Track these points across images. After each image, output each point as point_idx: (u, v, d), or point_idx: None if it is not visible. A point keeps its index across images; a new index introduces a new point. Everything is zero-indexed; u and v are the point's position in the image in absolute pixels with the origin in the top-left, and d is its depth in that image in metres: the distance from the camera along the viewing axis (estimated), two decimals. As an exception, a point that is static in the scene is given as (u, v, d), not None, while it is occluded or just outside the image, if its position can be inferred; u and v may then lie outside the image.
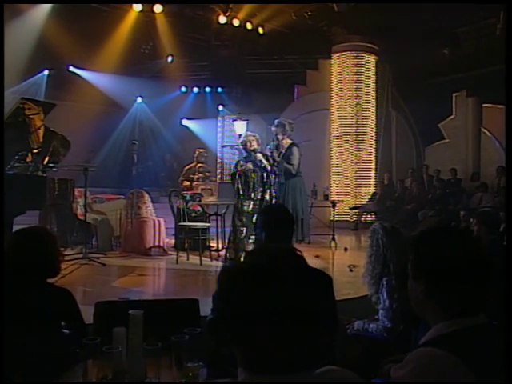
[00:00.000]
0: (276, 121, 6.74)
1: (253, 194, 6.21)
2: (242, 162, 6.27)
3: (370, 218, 11.14)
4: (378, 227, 2.85)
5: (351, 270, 5.60)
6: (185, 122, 14.35)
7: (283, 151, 6.40)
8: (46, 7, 9.47)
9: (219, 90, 13.79)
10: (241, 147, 6.48)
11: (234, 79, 13.21)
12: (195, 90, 13.97)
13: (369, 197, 11.22)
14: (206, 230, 6.44)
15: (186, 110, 14.01)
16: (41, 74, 12.05)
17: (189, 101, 14.01)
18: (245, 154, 6.37)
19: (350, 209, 11.12)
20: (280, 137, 6.42)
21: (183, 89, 13.83)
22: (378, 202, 10.89)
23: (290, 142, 6.48)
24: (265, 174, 6.29)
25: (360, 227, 10.71)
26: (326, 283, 2.46)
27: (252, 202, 6.19)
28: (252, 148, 6.29)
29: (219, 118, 14.27)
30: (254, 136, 6.47)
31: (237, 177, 6.20)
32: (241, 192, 6.19)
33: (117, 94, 12.55)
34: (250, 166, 6.21)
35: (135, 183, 10.94)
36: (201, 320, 2.55)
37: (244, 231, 6.12)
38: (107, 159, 12.91)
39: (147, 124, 13.80)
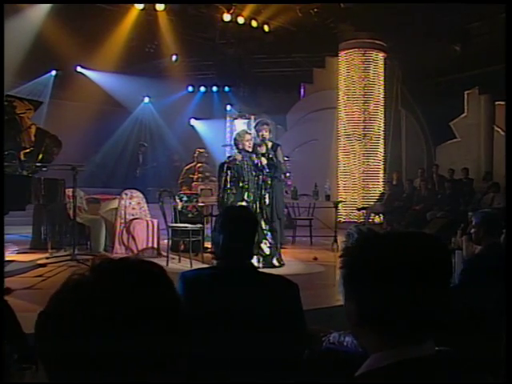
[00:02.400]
0: (260, 120, 6.50)
1: (246, 195, 5.96)
2: (237, 161, 5.98)
3: (377, 218, 10.87)
4: (352, 231, 2.61)
5: (347, 274, 5.33)
6: (193, 122, 14.21)
7: (268, 151, 6.14)
8: (47, 6, 9.38)
9: (226, 89, 13.61)
10: (234, 146, 6.21)
11: (241, 78, 13.03)
12: (202, 89, 13.82)
13: (377, 197, 10.93)
14: (198, 232, 6.24)
15: (194, 110, 13.87)
16: (48, 75, 12.03)
17: (196, 100, 13.86)
18: (238, 151, 6.08)
19: (358, 209, 10.87)
20: (266, 136, 6.17)
21: (190, 88, 13.69)
22: (386, 202, 10.59)
23: (271, 143, 6.24)
24: (261, 176, 6.03)
25: (367, 229, 10.43)
26: (279, 293, 2.24)
27: (245, 204, 5.94)
28: (249, 149, 6.00)
29: (227, 118, 14.10)
30: (250, 135, 6.17)
31: (225, 170, 5.92)
32: (230, 187, 5.94)
33: (123, 94, 12.46)
34: (247, 163, 5.93)
35: (140, 183, 10.80)
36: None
37: None
38: (112, 159, 12.86)
39: (154, 124, 13.70)
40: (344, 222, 11.05)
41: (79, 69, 12.12)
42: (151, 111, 13.66)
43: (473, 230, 3.71)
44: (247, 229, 2.38)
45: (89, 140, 12.08)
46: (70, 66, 11.63)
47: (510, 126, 3.85)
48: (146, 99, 13.69)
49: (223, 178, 5.91)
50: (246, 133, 6.23)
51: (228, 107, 13.80)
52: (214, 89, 13.72)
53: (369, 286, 1.06)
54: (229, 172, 5.89)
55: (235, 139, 6.14)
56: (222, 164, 6.03)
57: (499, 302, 3.02)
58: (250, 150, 6.03)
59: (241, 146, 6.00)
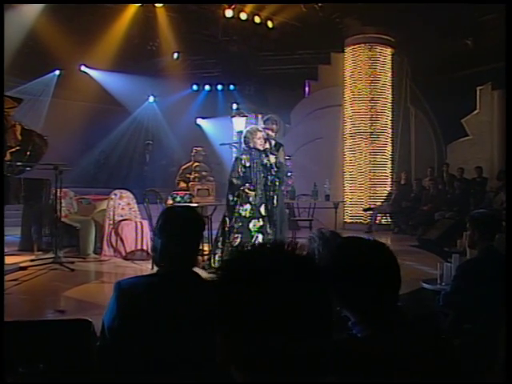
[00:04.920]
0: (270, 117, 6.21)
1: (252, 197, 5.68)
2: (244, 161, 5.69)
3: (384, 219, 10.51)
4: (314, 235, 2.33)
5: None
6: (199, 121, 14.00)
7: (271, 150, 5.86)
8: (45, 5, 9.25)
9: (231, 87, 13.36)
10: (243, 144, 5.89)
11: (246, 76, 12.76)
12: (207, 87, 13.60)
13: (384, 197, 10.56)
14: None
15: (199, 109, 13.66)
16: (51, 74, 11.93)
17: (201, 99, 13.65)
18: (245, 149, 5.77)
19: (364, 210, 10.50)
20: (271, 135, 5.88)
21: (194, 87, 13.49)
22: (394, 202, 10.22)
23: (274, 141, 5.94)
24: (269, 177, 5.73)
25: (374, 229, 10.09)
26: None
27: (250, 206, 5.67)
28: (260, 147, 5.69)
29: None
30: (261, 132, 5.84)
31: (240, 174, 5.64)
32: (238, 193, 5.69)
33: (127, 94, 12.30)
34: (256, 163, 5.63)
35: (145, 183, 10.64)
36: (92, 345, 2.17)
37: (239, 238, 5.61)
38: (117, 159, 12.73)
39: (159, 123, 13.51)
40: (350, 222, 10.74)
41: (83, 68, 12.01)
42: (156, 110, 13.49)
43: (468, 233, 3.39)
44: (189, 231, 2.12)
45: (92, 140, 12.00)
46: (71, 65, 11.50)
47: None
48: (151, 98, 13.52)
49: (235, 185, 5.62)
50: (258, 130, 5.78)
51: (234, 106, 13.54)
52: (219, 87, 13.48)
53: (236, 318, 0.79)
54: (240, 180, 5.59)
55: (245, 137, 5.79)
56: (236, 170, 5.65)
57: (494, 312, 2.74)
58: (262, 148, 5.68)
59: (251, 145, 5.65)
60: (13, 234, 7.41)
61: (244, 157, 5.65)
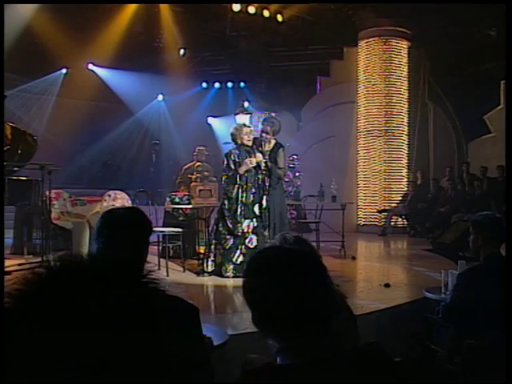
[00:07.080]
0: (267, 117, 6.00)
1: (244, 198, 5.38)
2: (234, 157, 5.41)
3: (400, 221, 10.01)
4: (276, 240, 2.05)
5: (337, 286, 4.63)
6: (210, 119, 13.71)
7: (268, 151, 5.56)
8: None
9: (242, 84, 13.00)
10: (232, 142, 5.63)
11: (256, 73, 12.38)
12: (217, 85, 13.27)
13: (399, 198, 10.06)
14: (177, 236, 5.66)
15: (209, 107, 13.34)
16: (58, 72, 11.81)
17: (210, 97, 13.32)
18: (235, 146, 5.51)
19: (379, 212, 10.03)
20: (266, 136, 5.59)
21: (204, 84, 13.18)
22: (410, 204, 9.71)
23: (274, 141, 5.63)
24: (260, 177, 5.45)
25: (389, 232, 9.62)
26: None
27: (242, 206, 5.36)
28: (248, 143, 5.46)
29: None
30: (249, 127, 5.61)
31: (230, 173, 5.39)
32: (232, 194, 5.40)
33: (135, 92, 12.05)
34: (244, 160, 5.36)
35: (151, 184, 10.40)
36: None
37: (231, 240, 5.32)
38: (123, 158, 12.55)
39: (168, 122, 13.24)
40: (364, 225, 10.28)
41: (91, 66, 11.86)
42: (164, 109, 13.23)
43: (471, 238, 3.00)
44: (130, 234, 1.79)
45: (98, 139, 11.82)
46: (77, 64, 11.33)
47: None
48: (160, 97, 13.26)
49: (228, 184, 5.38)
50: (244, 126, 5.65)
51: (246, 104, 13.19)
52: (229, 85, 13.14)
53: None
54: (232, 179, 5.35)
55: (232, 134, 5.55)
56: (228, 166, 5.41)
57: (499, 326, 2.39)
58: (250, 144, 5.46)
59: (239, 141, 5.45)
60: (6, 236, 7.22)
61: (234, 152, 5.40)
